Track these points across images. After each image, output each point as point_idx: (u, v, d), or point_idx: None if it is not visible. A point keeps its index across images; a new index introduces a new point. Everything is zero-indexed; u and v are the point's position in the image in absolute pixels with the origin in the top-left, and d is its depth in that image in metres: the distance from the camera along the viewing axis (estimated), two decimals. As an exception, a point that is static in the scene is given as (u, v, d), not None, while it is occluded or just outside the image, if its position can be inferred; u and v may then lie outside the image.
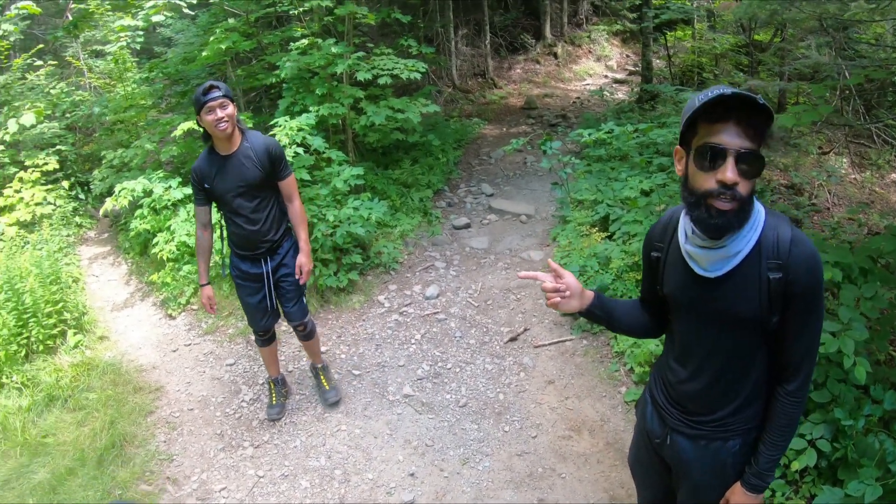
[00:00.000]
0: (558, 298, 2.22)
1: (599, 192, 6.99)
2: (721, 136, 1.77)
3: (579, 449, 4.34)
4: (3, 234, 7.61)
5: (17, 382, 5.37)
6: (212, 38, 7.15)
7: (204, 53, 7.35)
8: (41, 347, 5.75)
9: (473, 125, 12.08)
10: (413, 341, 5.70)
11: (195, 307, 6.54)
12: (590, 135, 7.18)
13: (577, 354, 5.29)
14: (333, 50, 6.86)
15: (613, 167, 7.67)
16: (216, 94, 3.82)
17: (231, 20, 7.56)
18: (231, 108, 3.88)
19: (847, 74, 5.44)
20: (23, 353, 5.66)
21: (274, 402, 4.94)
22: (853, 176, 8.50)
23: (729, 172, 1.75)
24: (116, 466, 4.52)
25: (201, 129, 4.04)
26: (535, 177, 9.49)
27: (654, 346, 4.80)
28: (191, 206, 6.96)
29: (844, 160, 8.79)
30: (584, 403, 4.74)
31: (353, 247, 6.66)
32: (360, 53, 7.15)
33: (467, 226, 7.93)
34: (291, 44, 6.98)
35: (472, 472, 4.21)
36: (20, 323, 5.74)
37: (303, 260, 4.34)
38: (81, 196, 9.49)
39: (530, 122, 12.50)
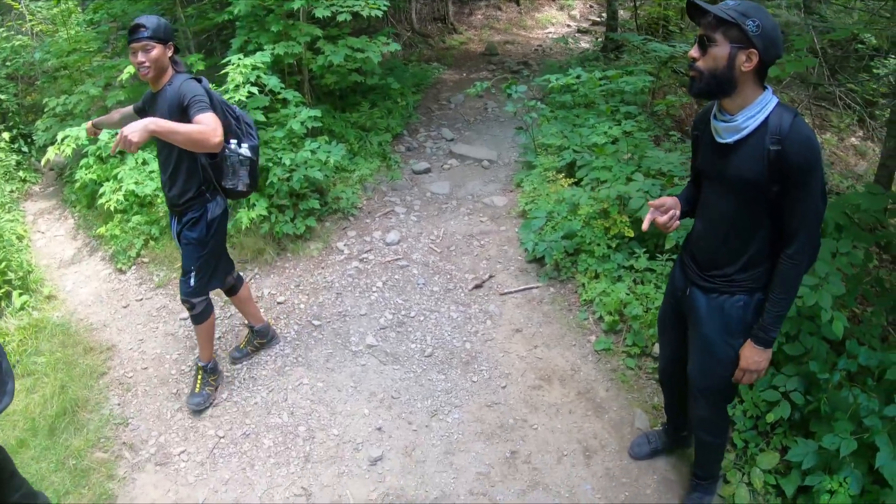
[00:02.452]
0: (677, 223, 2.75)
1: (565, 138, 6.80)
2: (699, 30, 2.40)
3: (550, 399, 4.23)
4: None
5: None
6: None
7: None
8: None
9: (433, 70, 11.75)
10: (374, 289, 5.50)
11: (146, 260, 6.25)
12: (557, 80, 6.96)
13: (545, 302, 5.15)
14: None
15: (578, 114, 7.47)
16: (141, 34, 3.56)
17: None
18: (155, 52, 3.60)
19: (815, 37, 5.48)
20: None
21: (197, 391, 4.42)
22: (815, 138, 8.50)
23: (691, 51, 2.41)
24: (69, 434, 4.30)
25: None
26: (496, 122, 9.26)
27: (623, 294, 4.71)
28: (139, 153, 6.63)
29: (807, 121, 8.77)
30: (554, 352, 4.62)
31: (311, 192, 6.39)
32: None
33: (427, 170, 7.68)
34: None
35: (441, 424, 4.08)
36: None
37: (131, 126, 3.15)
38: (24, 149, 9.02)
39: (491, 68, 12.22)
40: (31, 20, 10.76)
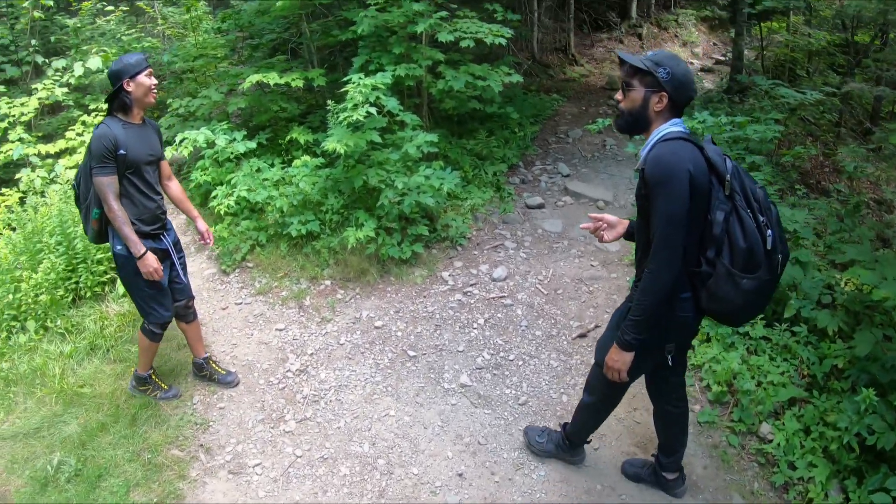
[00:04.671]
0: (607, 236, 3.27)
1: (685, 187, 6.46)
2: None
3: (645, 469, 3.93)
4: (60, 176, 7.45)
5: (60, 328, 5.27)
6: None
7: (278, 3, 7.02)
8: (89, 294, 5.62)
9: (552, 101, 11.52)
10: (475, 325, 5.32)
11: (250, 265, 6.30)
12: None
13: (651, 361, 4.84)
14: (415, 7, 6.46)
15: (698, 159, 7.09)
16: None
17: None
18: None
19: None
20: (70, 299, 5.56)
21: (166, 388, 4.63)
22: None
23: (617, 94, 2.86)
24: (150, 427, 4.33)
25: (125, 96, 3.92)
26: (614, 161, 8.93)
27: (735, 364, 4.36)
28: (254, 160, 6.78)
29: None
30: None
31: (421, 217, 6.29)
32: (443, 13, 6.70)
33: (541, 206, 7.43)
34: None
35: (525, 479, 3.84)
36: (69, 267, 5.63)
37: (205, 225, 4.59)
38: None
39: (611, 103, 11.88)
40: (161, 24, 11.26)
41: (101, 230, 4.08)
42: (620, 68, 2.81)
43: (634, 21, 16.20)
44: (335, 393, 4.62)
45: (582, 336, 5.15)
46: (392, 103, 5.93)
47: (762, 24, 12.66)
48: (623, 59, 2.77)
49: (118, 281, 5.64)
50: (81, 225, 4.76)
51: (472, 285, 5.87)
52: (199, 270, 6.49)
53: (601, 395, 3.45)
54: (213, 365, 4.79)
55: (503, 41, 6.64)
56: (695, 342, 4.74)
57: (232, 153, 6.73)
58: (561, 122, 10.68)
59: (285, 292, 5.86)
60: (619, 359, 2.92)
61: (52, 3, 8.79)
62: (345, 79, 5.88)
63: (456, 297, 5.70)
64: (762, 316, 4.67)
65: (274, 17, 7.99)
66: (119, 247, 4.00)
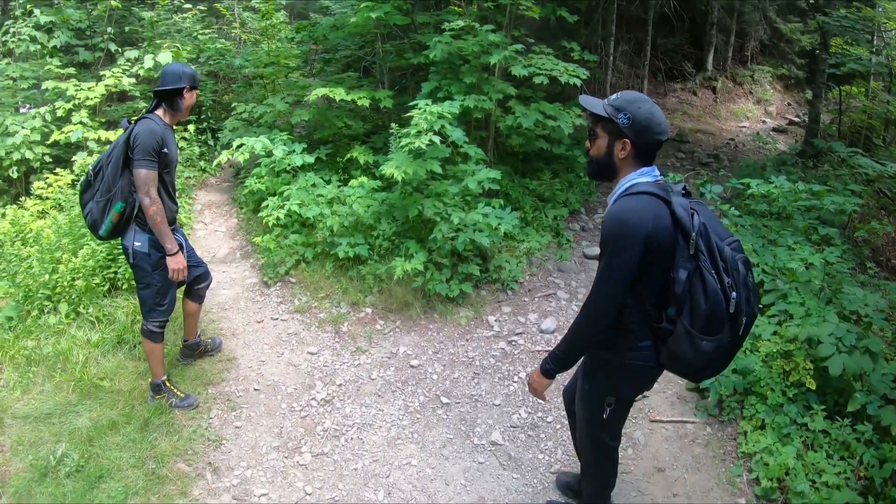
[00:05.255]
0: None
1: (755, 253, 6.08)
2: None
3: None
4: None
5: (91, 315, 5.24)
6: (363, 5, 6.71)
7: (352, 19, 6.93)
8: (125, 286, 5.59)
9: (621, 149, 11.14)
10: (516, 379, 5.00)
11: (293, 280, 6.17)
12: (756, 186, 6.29)
13: (698, 443, 4.43)
14: (490, 38, 6.25)
15: (770, 226, 6.68)
16: None
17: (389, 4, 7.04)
18: None
19: None
20: (106, 288, 5.54)
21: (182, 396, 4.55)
22: None
23: (587, 141, 2.78)
24: (161, 435, 4.21)
25: (184, 103, 4.16)
26: None
27: (790, 459, 3.99)
28: (311, 175, 6.68)
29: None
30: (695, 508, 3.94)
31: (473, 255, 6.04)
32: (519, 46, 6.47)
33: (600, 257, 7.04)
34: (446, 23, 6.40)
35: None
36: (110, 256, 5.60)
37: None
38: (210, 142, 9.43)
39: (680, 156, 11.58)
40: (234, 27, 11.42)
41: (120, 225, 4.03)
42: (584, 115, 2.84)
43: (710, 73, 15.80)
44: (358, 431, 4.38)
45: (628, 406, 4.79)
46: (457, 134, 5.73)
47: (841, 87, 12.22)
48: (584, 106, 2.70)
49: None
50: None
51: (518, 334, 5.56)
52: (240, 278, 6.40)
53: (587, 445, 3.32)
54: (204, 339, 5.07)
55: (578, 81, 6.38)
56: (747, 428, 4.38)
57: (289, 164, 6.61)
58: (627, 172, 10.30)
59: (323, 314, 5.68)
60: (538, 381, 2.91)
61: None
62: (411, 103, 5.72)
63: (500, 345, 5.40)
64: (823, 407, 4.30)
65: (348, 34, 7.93)
66: (139, 243, 4.02)
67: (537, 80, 6.31)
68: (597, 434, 3.12)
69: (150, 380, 4.52)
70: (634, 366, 2.79)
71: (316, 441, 4.28)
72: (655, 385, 4.83)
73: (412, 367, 5.07)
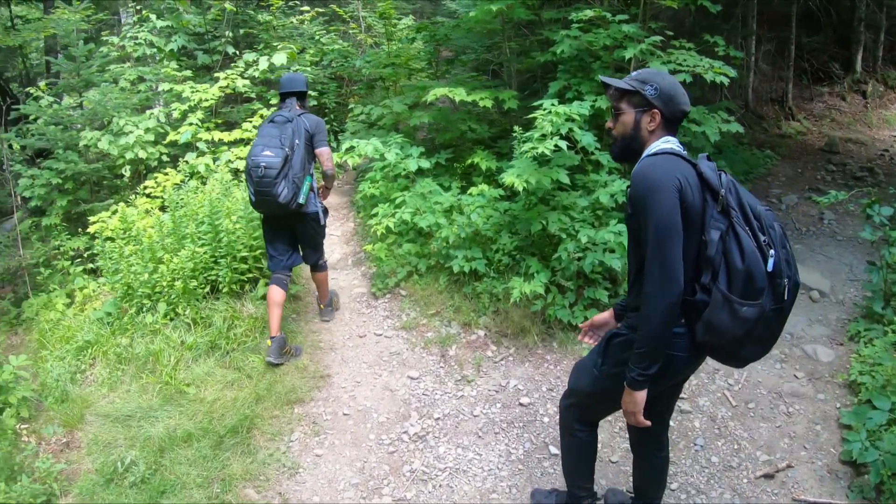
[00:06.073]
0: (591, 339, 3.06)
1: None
2: None
3: None
4: (221, 167, 7.35)
5: (188, 317, 5.14)
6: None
7: (471, 13, 6.39)
8: (226, 289, 5.41)
9: (765, 158, 10.18)
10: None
11: (403, 293, 5.76)
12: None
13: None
14: (624, 29, 5.51)
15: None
16: None
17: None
18: None
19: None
20: (206, 290, 5.41)
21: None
22: None
23: (608, 122, 2.72)
24: (235, 455, 3.94)
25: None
26: (832, 241, 7.40)
27: None
28: (428, 181, 6.29)
29: None
30: None
31: (602, 279, 5.27)
32: (656, 38, 5.64)
33: (741, 285, 6.18)
34: (574, 13, 5.69)
35: None
36: (213, 258, 5.49)
37: None
38: (333, 144, 9.24)
39: (830, 168, 10.37)
40: (353, 28, 11.66)
41: (303, 196, 4.83)
42: (607, 94, 2.70)
43: (858, 76, 14.36)
44: (449, 477, 3.84)
45: (768, 477, 3.88)
46: (587, 139, 5.09)
47: None
48: (607, 82, 2.65)
49: (260, 282, 5.61)
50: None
51: None
52: (349, 287, 6.10)
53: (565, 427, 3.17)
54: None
55: (725, 80, 5.57)
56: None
57: (404, 169, 6.20)
58: (773, 184, 9.32)
59: (431, 333, 5.20)
60: (630, 400, 2.55)
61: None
62: (535, 103, 5.14)
63: None
64: None
65: (470, 32, 7.47)
66: (319, 206, 5.07)
67: (679, 77, 5.45)
68: (584, 408, 3.04)
69: (321, 306, 5.61)
70: (665, 355, 2.49)
71: (400, 483, 3.80)
72: (802, 453, 4.04)
73: (521, 405, 4.45)
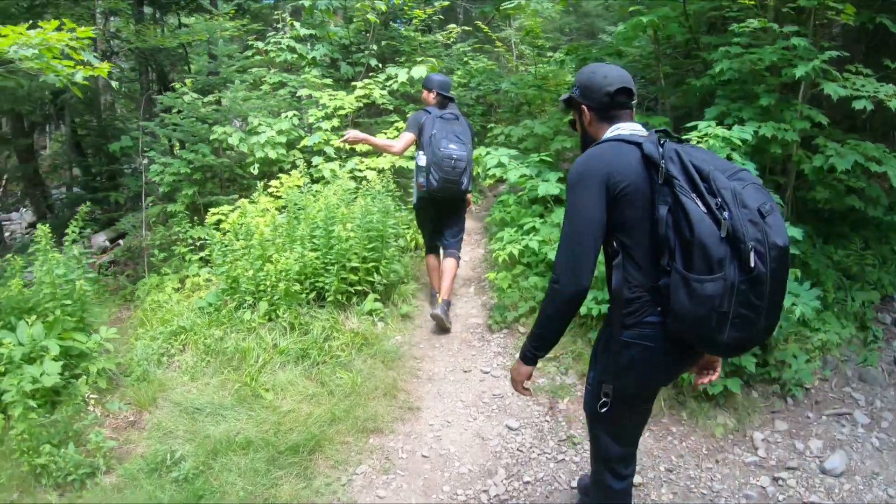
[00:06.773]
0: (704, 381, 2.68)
1: None
2: None
3: None
4: (343, 173, 7.42)
5: (286, 321, 4.97)
6: (632, 8, 5.71)
7: (619, 27, 5.92)
8: (331, 298, 5.23)
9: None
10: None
11: (522, 330, 5.24)
12: None
13: None
14: (794, 42, 4.53)
15: None
16: None
17: (666, 8, 5.75)
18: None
19: None
20: (310, 296, 5.28)
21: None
22: None
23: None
24: (288, 475, 3.63)
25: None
26: None
27: None
28: (561, 210, 5.66)
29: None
30: None
31: (749, 344, 4.38)
32: (833, 53, 4.60)
33: (917, 365, 4.96)
34: (734, 25, 4.85)
35: None
36: (323, 265, 5.36)
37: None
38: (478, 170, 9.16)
39: None
40: (500, 47, 11.89)
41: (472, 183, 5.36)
42: (559, 110, 1.98)
43: None
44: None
45: None
46: (749, 169, 4.27)
47: None
48: (560, 100, 2.72)
49: (370, 296, 5.42)
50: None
51: (789, 469, 3.83)
52: (465, 315, 5.69)
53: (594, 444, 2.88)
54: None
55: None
56: None
57: (534, 192, 5.67)
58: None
59: (543, 380, 4.60)
60: (515, 369, 2.60)
61: (385, 8, 9.11)
62: (688, 124, 4.43)
63: (760, 481, 3.73)
64: None
65: (622, 57, 7.04)
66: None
67: (857, 104, 4.41)
68: (596, 441, 2.78)
69: (440, 299, 5.43)
70: (632, 346, 2.35)
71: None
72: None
73: (634, 485, 3.67)
